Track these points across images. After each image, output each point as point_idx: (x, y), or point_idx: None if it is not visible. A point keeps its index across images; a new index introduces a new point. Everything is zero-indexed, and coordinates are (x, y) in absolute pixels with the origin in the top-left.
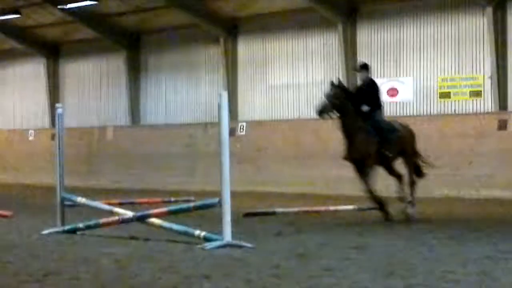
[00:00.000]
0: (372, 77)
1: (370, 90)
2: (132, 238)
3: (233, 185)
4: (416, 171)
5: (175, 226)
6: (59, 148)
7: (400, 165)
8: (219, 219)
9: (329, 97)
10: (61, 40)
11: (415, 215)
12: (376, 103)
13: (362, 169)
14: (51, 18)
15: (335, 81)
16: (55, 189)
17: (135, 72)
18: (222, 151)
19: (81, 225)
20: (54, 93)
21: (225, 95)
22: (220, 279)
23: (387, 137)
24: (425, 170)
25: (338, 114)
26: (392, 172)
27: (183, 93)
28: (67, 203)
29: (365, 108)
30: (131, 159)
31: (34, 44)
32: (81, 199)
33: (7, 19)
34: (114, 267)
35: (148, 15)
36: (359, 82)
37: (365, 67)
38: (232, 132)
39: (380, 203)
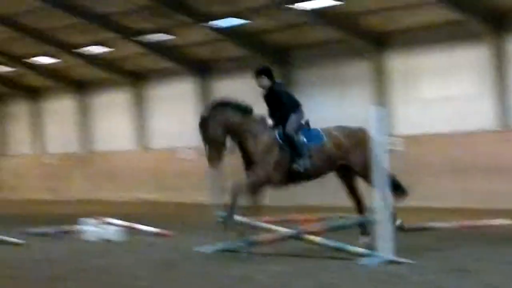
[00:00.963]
0: (275, 82)
1: (272, 99)
2: (290, 255)
3: None
4: (395, 187)
5: (333, 243)
6: None
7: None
8: (377, 235)
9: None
10: (211, 58)
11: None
12: (283, 112)
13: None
14: (202, 37)
15: (216, 101)
16: (210, 207)
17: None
18: (376, 167)
19: (238, 242)
20: None
21: (376, 110)
22: None
23: (302, 149)
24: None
25: (234, 141)
26: (351, 192)
27: (334, 108)
28: (223, 220)
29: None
30: None
31: (184, 63)
32: (237, 217)
33: (160, 39)
34: (272, 284)
35: (296, 31)
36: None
37: (263, 72)
38: None
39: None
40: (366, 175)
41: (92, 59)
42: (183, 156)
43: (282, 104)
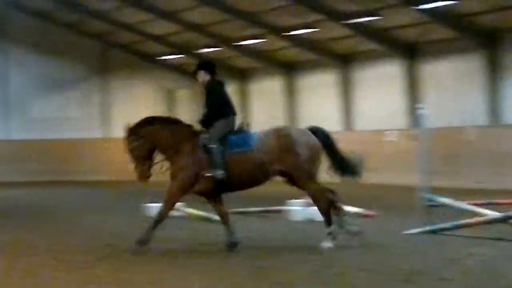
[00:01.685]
0: (213, 79)
1: (206, 98)
2: (498, 239)
3: None
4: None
5: None
6: (421, 149)
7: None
8: None
9: (131, 152)
10: (418, 40)
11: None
12: (212, 113)
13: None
14: (409, 19)
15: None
16: (414, 189)
17: (493, 71)
18: None
19: (444, 225)
20: (412, 93)
21: None
22: None
23: (216, 158)
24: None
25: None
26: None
27: None
28: (429, 203)
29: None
30: (493, 159)
31: (391, 45)
32: (444, 199)
33: (367, 21)
34: (480, 268)
35: (507, 14)
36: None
37: (202, 66)
38: None
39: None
40: (298, 179)
41: (300, 41)
42: (389, 138)
43: (208, 102)
